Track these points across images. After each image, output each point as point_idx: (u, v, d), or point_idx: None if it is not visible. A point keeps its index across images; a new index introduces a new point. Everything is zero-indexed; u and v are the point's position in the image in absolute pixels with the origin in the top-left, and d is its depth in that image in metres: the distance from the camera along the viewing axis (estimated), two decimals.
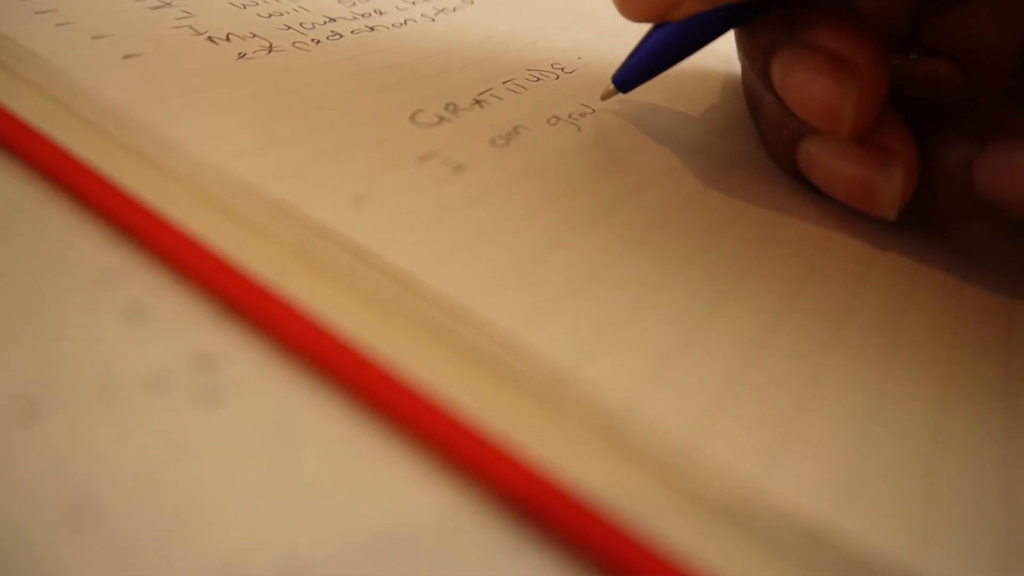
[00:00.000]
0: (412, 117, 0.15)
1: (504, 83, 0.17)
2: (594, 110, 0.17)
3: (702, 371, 0.11)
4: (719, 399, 0.10)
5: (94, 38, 0.14)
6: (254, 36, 0.16)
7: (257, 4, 0.18)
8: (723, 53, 0.18)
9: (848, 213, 0.15)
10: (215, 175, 0.11)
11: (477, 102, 0.16)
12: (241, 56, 0.15)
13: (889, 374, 0.12)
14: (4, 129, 0.12)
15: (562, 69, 0.19)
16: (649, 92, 0.18)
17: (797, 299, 0.13)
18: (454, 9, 0.20)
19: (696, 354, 0.11)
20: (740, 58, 0.18)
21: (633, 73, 0.16)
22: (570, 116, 0.17)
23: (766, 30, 0.15)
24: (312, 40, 0.17)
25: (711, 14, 0.15)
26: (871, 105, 0.14)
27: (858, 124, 0.14)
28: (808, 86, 0.14)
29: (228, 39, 0.16)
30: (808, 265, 0.14)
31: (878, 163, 0.14)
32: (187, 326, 0.10)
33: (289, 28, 0.17)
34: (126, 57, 0.14)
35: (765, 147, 0.17)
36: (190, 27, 0.16)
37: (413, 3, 0.20)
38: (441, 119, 0.15)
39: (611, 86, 0.17)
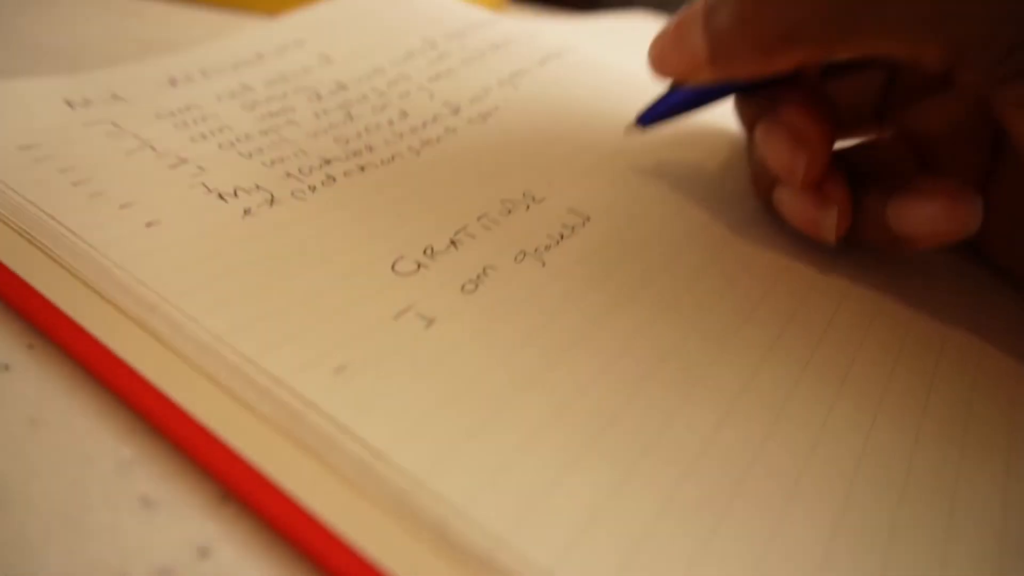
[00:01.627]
0: (393, 266, 0.17)
1: (479, 218, 0.19)
2: (560, 238, 0.19)
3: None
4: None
5: (121, 207, 0.17)
6: (258, 188, 0.19)
7: (262, 151, 0.20)
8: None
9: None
10: (217, 356, 0.14)
11: (452, 243, 0.18)
12: (246, 213, 0.18)
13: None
14: (43, 319, 0.14)
15: (533, 198, 0.21)
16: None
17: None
18: (438, 140, 0.23)
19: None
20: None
21: (653, 116, 0.22)
22: (536, 250, 0.19)
23: (755, 103, 0.22)
24: (308, 187, 0.19)
25: (721, 84, 0.20)
26: (816, 166, 0.20)
27: (808, 179, 0.20)
28: (776, 151, 0.20)
29: (236, 194, 0.18)
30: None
31: (821, 206, 0.20)
32: (191, 513, 0.12)
33: (289, 176, 0.20)
34: (148, 225, 0.17)
35: (753, 188, 0.23)
36: (203, 184, 0.18)
37: (401, 136, 0.23)
38: (419, 266, 0.17)
39: (634, 123, 0.22)
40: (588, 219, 0.20)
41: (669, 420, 0.15)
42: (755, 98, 0.22)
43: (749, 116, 0.22)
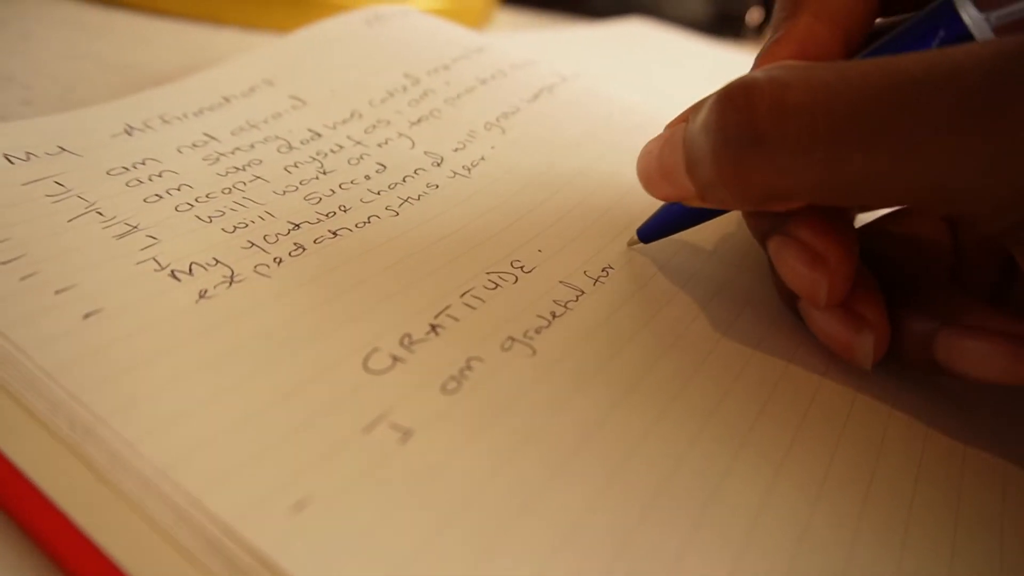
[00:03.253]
0: (365, 363, 0.15)
1: (462, 296, 0.18)
2: (552, 318, 0.18)
3: None
4: None
5: (57, 292, 0.15)
6: (216, 263, 0.17)
7: (223, 215, 0.19)
8: None
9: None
10: (158, 494, 0.12)
11: (433, 329, 0.16)
12: (201, 295, 0.16)
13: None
14: None
15: (521, 268, 0.19)
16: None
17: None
18: (419, 198, 0.21)
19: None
20: None
21: (653, 232, 0.21)
22: (525, 334, 0.17)
23: (763, 218, 0.19)
24: (274, 260, 0.17)
25: None
26: (840, 287, 0.17)
27: (831, 301, 0.17)
28: (793, 272, 0.18)
29: (190, 271, 0.16)
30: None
31: (854, 328, 0.18)
32: None
33: (252, 245, 0.18)
34: (86, 316, 0.15)
35: (776, 291, 0.20)
36: (154, 259, 0.17)
37: (379, 194, 0.21)
38: (395, 360, 0.15)
39: (635, 237, 0.21)
40: (581, 293, 0.19)
41: (684, 547, 0.13)
42: (764, 213, 0.19)
43: (760, 229, 0.19)
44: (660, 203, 0.21)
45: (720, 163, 0.15)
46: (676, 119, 0.18)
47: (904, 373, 0.19)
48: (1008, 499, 0.16)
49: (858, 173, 0.14)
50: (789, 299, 0.20)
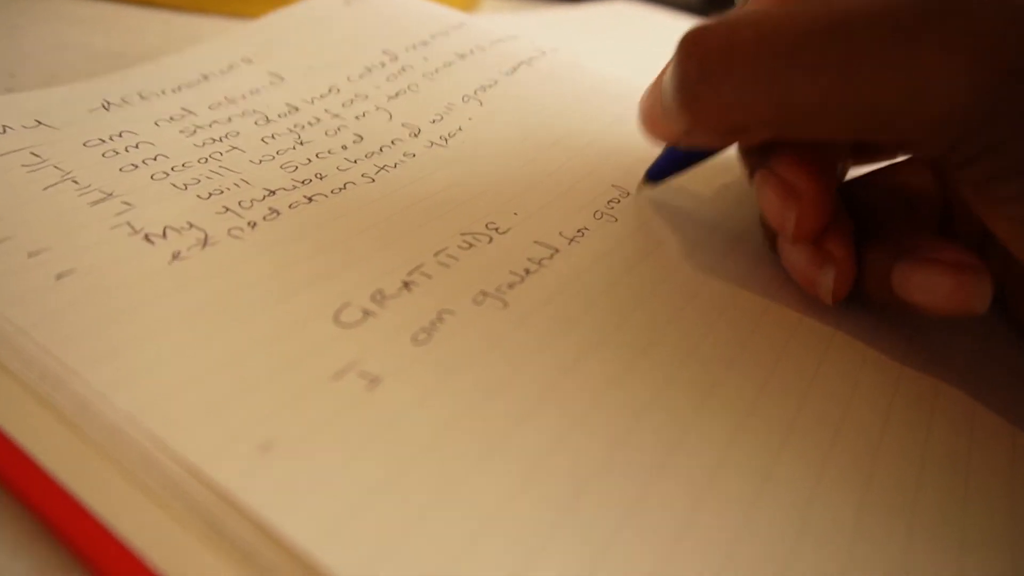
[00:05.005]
0: (336, 316, 0.15)
1: (436, 255, 0.18)
2: (525, 274, 0.18)
3: None
4: None
5: (30, 255, 0.15)
6: (190, 227, 0.17)
7: (199, 182, 0.19)
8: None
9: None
10: (127, 441, 0.12)
11: (406, 285, 0.17)
12: (175, 257, 0.16)
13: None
14: None
15: (496, 229, 0.19)
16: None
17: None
18: (395, 166, 0.21)
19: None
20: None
21: (659, 173, 0.22)
22: (497, 289, 0.17)
23: (753, 152, 0.20)
24: (248, 224, 0.18)
25: None
26: (809, 222, 0.18)
27: (799, 234, 0.18)
28: (769, 203, 0.19)
29: (164, 235, 0.17)
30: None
31: (818, 264, 0.19)
32: None
33: (227, 210, 0.18)
34: (59, 277, 0.15)
35: (761, 229, 0.22)
36: (128, 224, 0.17)
37: (355, 162, 0.21)
38: (366, 314, 0.15)
39: (643, 181, 0.22)
40: (556, 252, 0.19)
41: (645, 493, 0.13)
42: (754, 148, 0.21)
43: (751, 163, 0.21)
44: (642, 166, 0.22)
45: (680, 102, 0.17)
46: (662, 70, 0.19)
47: (881, 315, 0.20)
48: (975, 437, 0.16)
49: (803, 101, 0.15)
50: (770, 237, 0.21)
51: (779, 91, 0.15)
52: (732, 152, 0.22)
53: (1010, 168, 0.15)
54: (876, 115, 0.15)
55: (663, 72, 0.19)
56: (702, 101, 0.16)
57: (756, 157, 0.20)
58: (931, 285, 0.17)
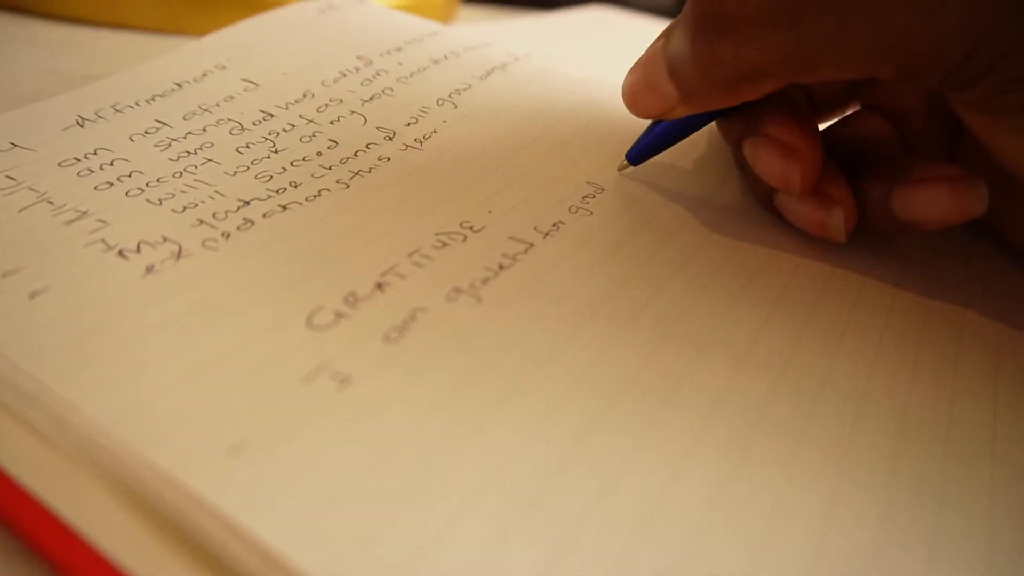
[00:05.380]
0: (309, 320, 0.15)
1: (410, 255, 0.18)
2: (499, 269, 0.18)
3: None
4: None
5: (4, 276, 0.15)
6: (164, 240, 0.17)
7: (173, 196, 0.19)
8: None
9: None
10: (100, 450, 0.12)
11: (379, 286, 0.17)
12: (148, 270, 0.16)
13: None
14: None
15: (471, 228, 0.19)
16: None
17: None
18: (370, 170, 0.21)
19: None
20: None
21: (642, 152, 0.22)
22: (471, 285, 0.17)
23: (737, 122, 0.21)
24: (222, 235, 0.18)
25: (698, 114, 0.21)
26: (811, 173, 0.20)
27: (804, 188, 0.20)
28: (769, 165, 0.20)
29: (138, 249, 0.17)
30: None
31: (825, 208, 0.20)
32: None
33: (201, 223, 0.18)
34: (32, 296, 0.15)
35: (751, 194, 0.23)
36: (102, 241, 0.17)
37: (330, 168, 0.21)
38: (339, 316, 0.16)
39: (625, 161, 0.22)
40: (531, 246, 0.19)
41: (616, 482, 0.13)
42: (737, 118, 0.21)
43: (734, 134, 0.22)
44: (617, 163, 0.23)
45: (697, 48, 0.18)
46: (651, 44, 0.20)
47: (875, 247, 0.22)
48: (964, 344, 0.19)
49: (818, 37, 0.16)
50: (765, 198, 0.22)
51: (796, 28, 0.16)
52: (700, 137, 0.22)
53: (1019, 78, 0.16)
54: (890, 38, 0.16)
55: (655, 43, 0.20)
56: (720, 45, 0.17)
57: (740, 128, 0.21)
58: (930, 199, 0.19)
